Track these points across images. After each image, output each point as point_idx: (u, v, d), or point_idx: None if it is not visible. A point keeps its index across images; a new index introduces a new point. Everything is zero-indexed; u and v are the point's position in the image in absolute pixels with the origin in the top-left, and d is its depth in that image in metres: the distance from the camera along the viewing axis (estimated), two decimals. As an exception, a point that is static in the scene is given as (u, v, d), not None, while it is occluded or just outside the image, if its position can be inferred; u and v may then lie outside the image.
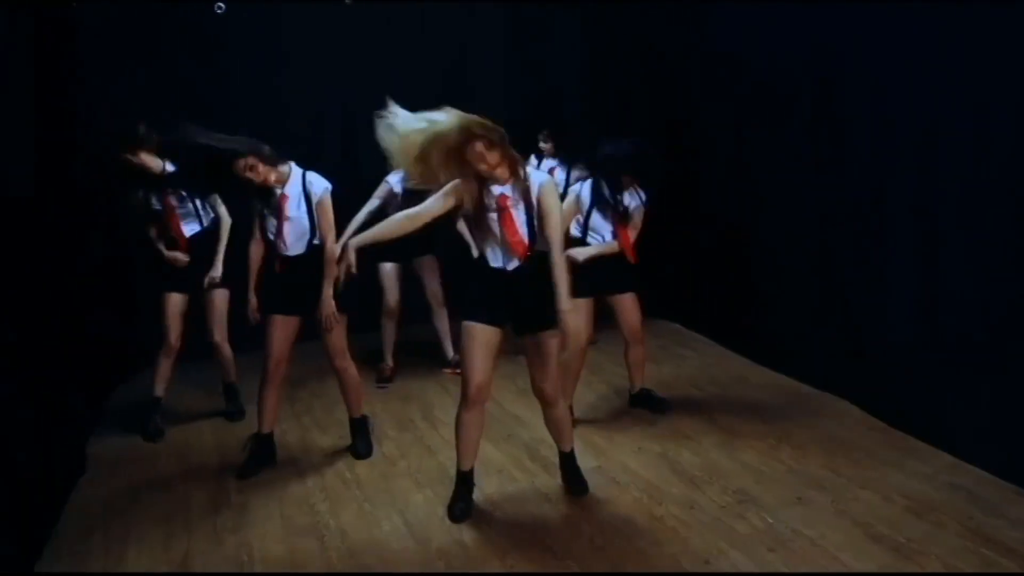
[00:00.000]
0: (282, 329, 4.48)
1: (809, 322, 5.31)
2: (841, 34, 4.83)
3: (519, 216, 3.74)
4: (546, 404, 4.02)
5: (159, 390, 5.24)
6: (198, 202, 5.20)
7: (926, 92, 4.26)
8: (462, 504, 4.00)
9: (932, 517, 3.66)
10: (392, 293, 5.91)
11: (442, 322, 6.10)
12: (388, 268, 5.89)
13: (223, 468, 4.68)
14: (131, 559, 3.77)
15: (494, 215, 3.74)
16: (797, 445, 4.48)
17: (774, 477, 4.15)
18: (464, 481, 4.04)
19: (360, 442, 4.77)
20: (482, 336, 3.82)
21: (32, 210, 4.38)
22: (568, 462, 4.19)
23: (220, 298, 5.24)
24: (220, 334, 5.29)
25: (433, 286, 6.04)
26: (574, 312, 3.75)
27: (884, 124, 4.57)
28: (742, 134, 5.89)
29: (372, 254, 5.64)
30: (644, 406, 5.10)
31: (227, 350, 5.37)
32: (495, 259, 3.82)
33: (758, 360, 5.84)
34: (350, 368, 4.66)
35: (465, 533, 3.83)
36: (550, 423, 4.12)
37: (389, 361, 6.02)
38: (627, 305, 4.88)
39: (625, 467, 4.37)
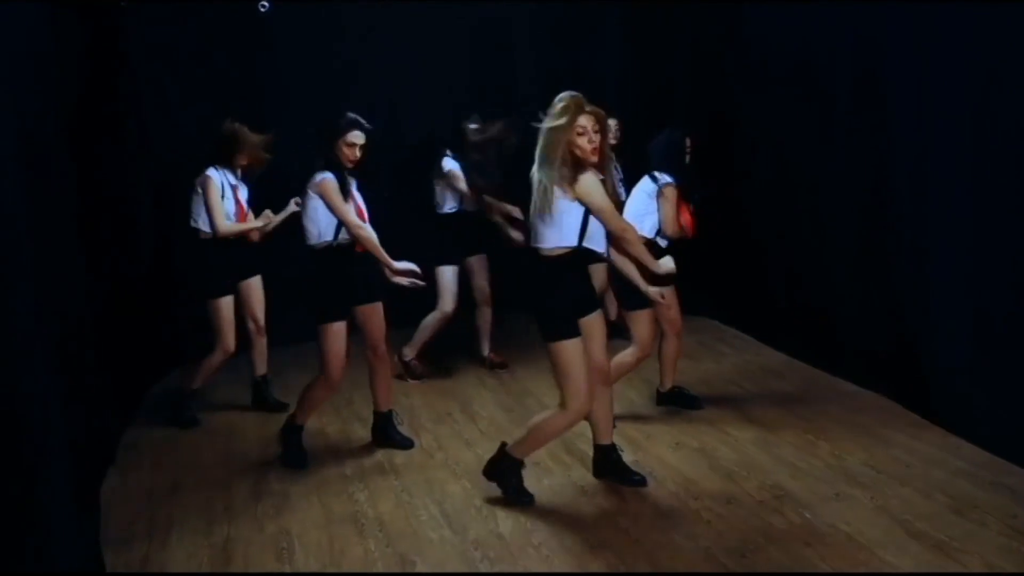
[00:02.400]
0: (345, 334, 4.53)
1: (850, 318, 5.25)
2: (884, 25, 4.77)
3: None
4: (605, 384, 4.06)
5: (198, 383, 5.32)
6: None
7: (970, 83, 4.19)
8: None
9: (974, 515, 3.61)
10: (452, 301, 5.80)
11: (485, 320, 6.06)
12: (449, 273, 5.79)
13: (265, 457, 4.76)
14: (173, 543, 3.86)
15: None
16: (836, 441, 4.44)
17: (812, 473, 4.12)
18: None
19: (396, 434, 4.80)
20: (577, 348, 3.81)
21: (80, 210, 4.48)
22: (615, 455, 4.19)
23: (257, 285, 5.34)
24: (262, 320, 5.39)
25: (482, 283, 5.97)
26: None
27: (928, 116, 4.50)
28: (782, 129, 5.84)
29: (431, 257, 5.70)
30: (675, 404, 5.07)
31: (264, 339, 5.45)
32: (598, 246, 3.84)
33: (797, 356, 5.79)
34: (387, 357, 4.75)
35: (501, 524, 3.85)
36: (599, 409, 4.06)
37: (413, 353, 5.90)
38: (667, 300, 4.77)
39: (662, 461, 4.37)
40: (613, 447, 4.20)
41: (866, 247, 5.09)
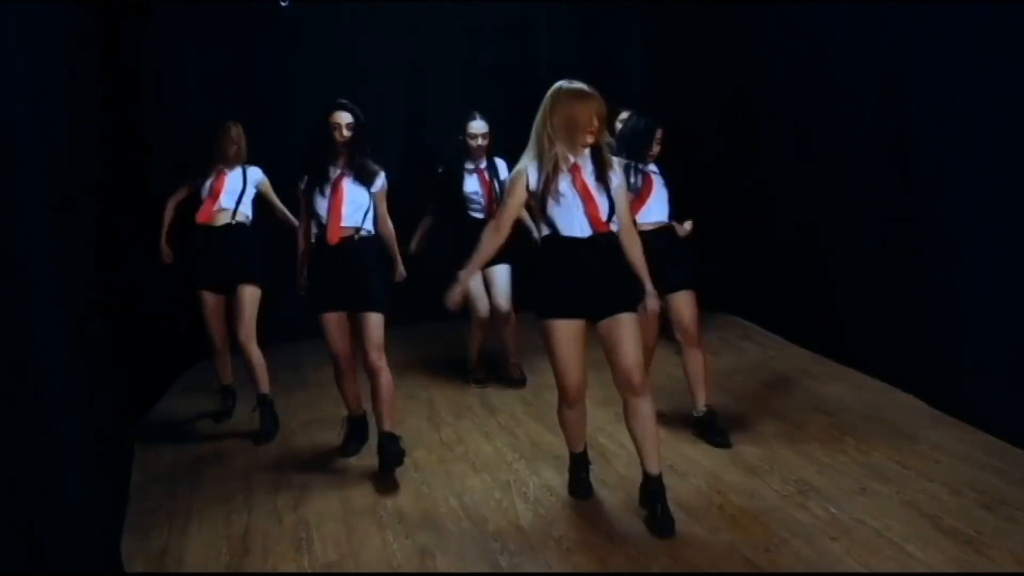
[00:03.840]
0: (338, 325, 4.43)
1: (875, 315, 5.18)
2: (909, 22, 4.70)
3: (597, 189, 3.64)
4: (633, 394, 3.61)
5: (226, 380, 5.32)
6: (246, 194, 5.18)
7: (998, 76, 4.12)
8: (584, 484, 3.99)
9: (1004, 511, 3.54)
10: (483, 301, 5.57)
11: (508, 331, 5.68)
12: (477, 275, 5.42)
13: (285, 450, 4.75)
14: (193, 532, 3.85)
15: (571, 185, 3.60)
16: (861, 437, 4.37)
17: (837, 468, 4.06)
18: (580, 462, 4.01)
19: (386, 459, 4.35)
20: (567, 332, 3.63)
21: (106, 202, 4.49)
22: (654, 490, 3.66)
23: (250, 295, 5.04)
24: (246, 333, 5.00)
25: (498, 299, 5.60)
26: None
27: (954, 114, 4.43)
28: (807, 125, 5.77)
29: (460, 262, 5.60)
30: (703, 433, 4.51)
31: (256, 354, 5.01)
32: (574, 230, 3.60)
33: (821, 353, 5.71)
34: (386, 368, 4.35)
35: (522, 517, 3.82)
36: (636, 422, 3.63)
37: (476, 361, 5.71)
38: (680, 303, 4.50)
39: (685, 456, 4.31)
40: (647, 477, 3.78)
41: (892, 243, 5.01)
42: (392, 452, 4.30)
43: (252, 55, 6.61)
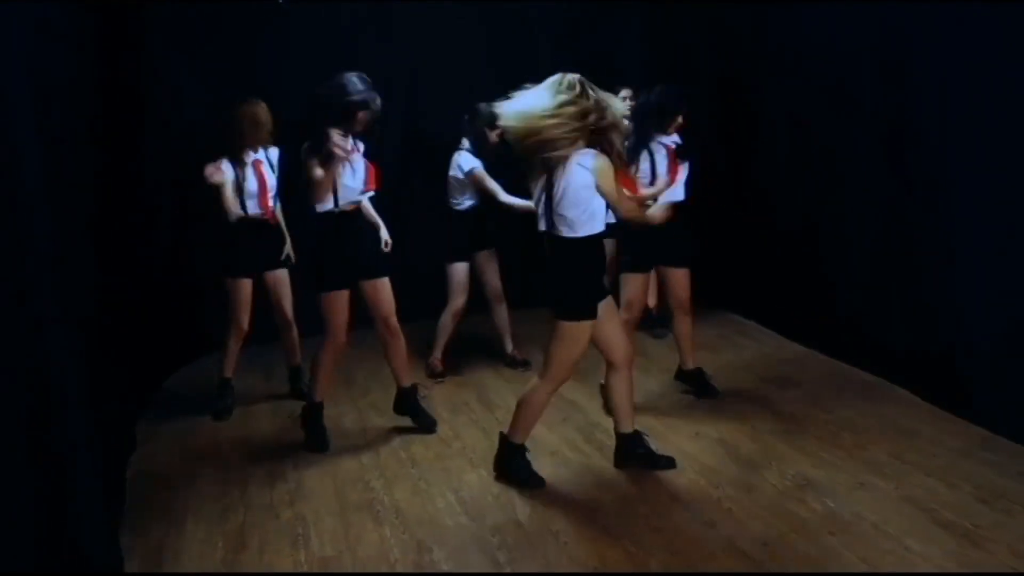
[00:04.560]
0: (346, 301, 4.56)
1: (873, 312, 5.17)
2: (908, 21, 4.69)
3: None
4: (617, 365, 4.05)
5: (228, 371, 5.31)
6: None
7: (999, 75, 4.11)
8: (536, 475, 4.12)
9: (1002, 505, 3.54)
10: (462, 295, 5.67)
11: (501, 317, 5.84)
12: (461, 269, 5.64)
13: (281, 446, 4.74)
14: (189, 529, 3.84)
15: None
16: (859, 432, 4.37)
17: (835, 463, 4.05)
18: (523, 451, 4.14)
19: (421, 411, 4.85)
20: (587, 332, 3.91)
21: (100, 197, 4.48)
22: (633, 444, 4.15)
23: (285, 278, 5.29)
24: (291, 311, 5.34)
25: (493, 281, 5.77)
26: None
27: (952, 113, 4.42)
28: (806, 124, 5.76)
29: (443, 253, 5.69)
30: (690, 385, 5.08)
31: (295, 331, 5.40)
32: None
33: (818, 349, 5.70)
34: (399, 331, 4.71)
35: (520, 511, 3.81)
36: (617, 387, 4.10)
37: (439, 354, 5.77)
38: (678, 279, 4.90)
39: (682, 451, 4.30)
40: (638, 435, 4.15)
41: (890, 240, 5.00)
42: (418, 406, 4.85)
43: (251, 55, 6.57)
